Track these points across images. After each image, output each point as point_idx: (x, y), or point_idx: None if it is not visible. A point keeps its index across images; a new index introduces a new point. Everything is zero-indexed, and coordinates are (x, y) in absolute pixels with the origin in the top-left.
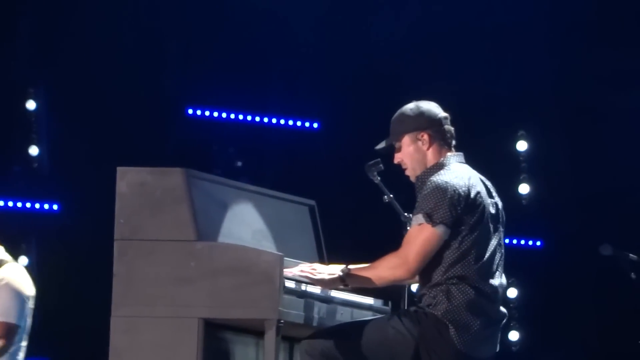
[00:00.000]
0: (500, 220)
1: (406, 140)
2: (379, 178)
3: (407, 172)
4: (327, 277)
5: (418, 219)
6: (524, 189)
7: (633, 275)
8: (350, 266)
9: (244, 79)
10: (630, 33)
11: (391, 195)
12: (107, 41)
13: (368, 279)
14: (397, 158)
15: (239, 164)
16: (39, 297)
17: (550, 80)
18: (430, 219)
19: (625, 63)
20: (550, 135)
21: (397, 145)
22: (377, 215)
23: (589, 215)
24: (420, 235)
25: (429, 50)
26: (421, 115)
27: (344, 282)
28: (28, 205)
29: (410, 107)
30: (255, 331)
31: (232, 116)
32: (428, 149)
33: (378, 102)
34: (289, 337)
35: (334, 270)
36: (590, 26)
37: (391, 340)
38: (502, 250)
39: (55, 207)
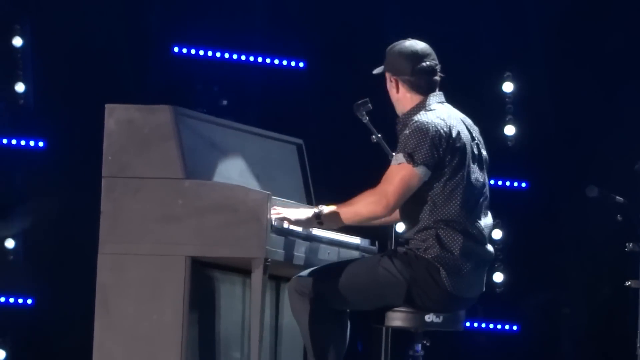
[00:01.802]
0: (483, 159)
1: (388, 77)
2: (367, 118)
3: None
4: (302, 216)
5: (398, 158)
6: (509, 130)
7: (619, 217)
8: (326, 207)
9: (230, 17)
10: None
11: (379, 135)
12: None
13: (345, 216)
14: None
15: (224, 102)
16: (24, 235)
17: (537, 21)
18: (411, 159)
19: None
20: (536, 77)
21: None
22: (365, 155)
23: (575, 157)
24: (400, 173)
25: None
26: (396, 58)
27: (319, 219)
28: (14, 142)
29: (397, 48)
30: (242, 270)
31: (218, 55)
32: (406, 92)
33: (364, 40)
34: (276, 276)
35: (309, 211)
36: None
37: (382, 280)
38: (487, 190)
39: (41, 143)
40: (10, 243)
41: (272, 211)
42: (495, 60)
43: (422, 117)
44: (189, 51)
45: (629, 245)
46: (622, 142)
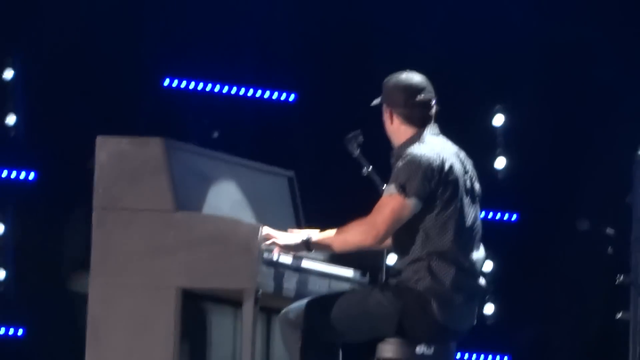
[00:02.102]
0: (476, 193)
1: (385, 109)
2: (358, 151)
3: None
4: (291, 242)
5: (390, 189)
6: (500, 163)
7: (610, 250)
8: (315, 233)
9: (221, 49)
10: (611, 8)
11: (370, 167)
12: (84, 11)
13: (334, 244)
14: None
15: (215, 135)
16: (15, 267)
17: (527, 54)
18: (403, 190)
19: (605, 38)
20: (527, 110)
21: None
22: (357, 187)
23: (566, 190)
24: (390, 204)
25: (405, 21)
26: (391, 89)
27: (308, 246)
28: (4, 174)
29: (393, 79)
30: (233, 301)
31: (209, 87)
32: (401, 124)
33: (355, 73)
34: (267, 308)
35: (299, 236)
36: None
37: (373, 312)
38: (479, 224)
39: (31, 176)
40: (1, 274)
41: (263, 232)
42: (486, 93)
43: (416, 149)
44: (179, 84)
45: (619, 277)
46: (612, 174)
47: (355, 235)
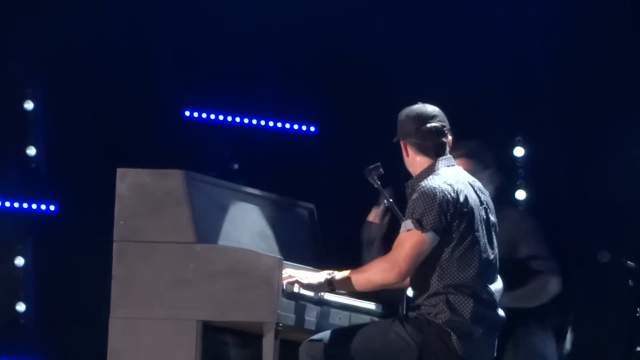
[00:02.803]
0: (491, 224)
1: (401, 143)
2: (378, 182)
3: None
4: (314, 281)
5: (407, 224)
6: (520, 195)
7: (631, 282)
8: (338, 272)
9: (241, 81)
10: (629, 36)
11: (391, 200)
12: (103, 42)
13: (357, 283)
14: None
15: (236, 166)
16: (35, 299)
17: (548, 85)
18: (419, 225)
19: (624, 68)
20: (548, 141)
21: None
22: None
23: (587, 221)
24: (410, 240)
25: (425, 53)
26: (404, 121)
27: (331, 285)
28: (25, 205)
29: (405, 111)
30: (253, 334)
31: (229, 118)
32: (416, 155)
33: (375, 105)
34: (287, 340)
35: (321, 275)
36: (589, 29)
37: (393, 346)
38: (496, 254)
39: (52, 207)
40: (21, 306)
41: (284, 274)
42: (506, 124)
43: (430, 182)
44: (200, 115)
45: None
46: (634, 206)
47: (377, 273)
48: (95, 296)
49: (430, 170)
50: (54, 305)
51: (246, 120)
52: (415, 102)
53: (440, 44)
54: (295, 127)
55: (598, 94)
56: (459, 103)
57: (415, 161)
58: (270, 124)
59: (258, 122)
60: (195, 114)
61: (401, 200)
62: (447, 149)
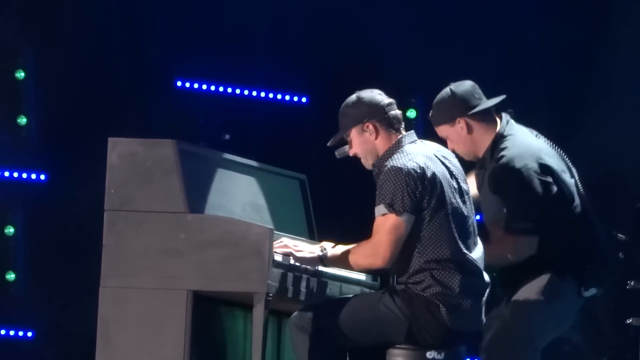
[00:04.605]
0: (464, 191)
1: (354, 133)
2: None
3: (363, 162)
4: (307, 255)
5: (380, 209)
6: None
7: (621, 255)
8: (330, 249)
9: (233, 51)
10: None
11: None
12: (95, 12)
13: (346, 264)
14: (351, 151)
15: (227, 137)
16: (25, 268)
17: (539, 64)
18: (392, 208)
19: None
20: (539, 124)
21: (347, 139)
22: (368, 189)
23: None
24: (386, 224)
25: (417, 24)
26: (362, 105)
27: (322, 262)
28: (15, 174)
29: (351, 99)
30: (244, 304)
31: (221, 89)
32: (376, 137)
33: (367, 76)
34: (277, 311)
35: (314, 249)
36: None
37: (383, 318)
38: (473, 220)
39: (42, 177)
40: (11, 276)
41: (279, 243)
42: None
43: (394, 162)
44: (191, 85)
45: (630, 283)
46: (624, 180)
47: (364, 258)
48: (85, 265)
49: (394, 149)
50: (43, 275)
51: (238, 91)
52: (407, 74)
53: (433, 14)
54: (287, 97)
55: (584, 79)
56: (451, 80)
57: (374, 143)
58: (262, 94)
59: (250, 92)
60: (187, 84)
61: None
62: (401, 125)
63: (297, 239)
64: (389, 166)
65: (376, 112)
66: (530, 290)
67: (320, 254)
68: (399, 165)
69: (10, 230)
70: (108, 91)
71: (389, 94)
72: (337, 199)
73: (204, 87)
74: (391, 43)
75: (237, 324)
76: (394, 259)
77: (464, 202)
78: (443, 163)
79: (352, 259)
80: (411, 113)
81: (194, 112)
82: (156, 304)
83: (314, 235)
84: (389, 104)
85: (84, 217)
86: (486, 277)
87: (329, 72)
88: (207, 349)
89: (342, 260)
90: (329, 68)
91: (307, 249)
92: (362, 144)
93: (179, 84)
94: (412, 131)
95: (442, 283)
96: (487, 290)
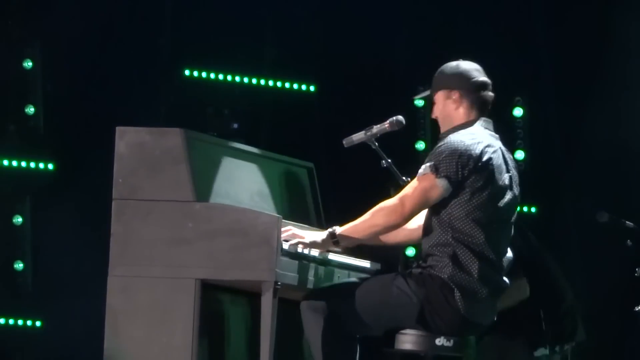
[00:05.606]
0: (514, 194)
1: (439, 96)
2: (376, 144)
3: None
4: (318, 238)
5: (424, 168)
6: (519, 155)
7: (629, 242)
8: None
9: (241, 40)
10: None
11: (389, 160)
12: (103, 1)
13: (361, 231)
14: (433, 113)
15: (235, 126)
16: (33, 258)
17: (546, 46)
18: (435, 169)
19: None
20: (546, 102)
21: (433, 99)
22: (376, 178)
23: (586, 182)
24: (421, 183)
25: (425, 14)
26: (457, 74)
27: (334, 238)
28: (23, 164)
29: (452, 63)
30: (252, 293)
31: (229, 78)
32: (457, 108)
33: (375, 65)
34: (286, 299)
35: (324, 232)
36: None
37: (395, 300)
38: (512, 225)
39: (50, 166)
40: (19, 265)
41: (287, 233)
42: (506, 85)
43: (458, 136)
44: (200, 74)
45: (638, 270)
46: (633, 167)
47: (381, 217)
48: (93, 255)
49: (466, 125)
50: (51, 264)
51: (246, 80)
52: (413, 64)
53: (442, 3)
54: (295, 86)
55: (593, 53)
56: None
57: (453, 113)
58: (270, 83)
59: (258, 81)
60: (195, 73)
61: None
62: (487, 110)
63: (305, 228)
64: (451, 137)
65: (465, 85)
66: None
67: (331, 230)
68: (461, 139)
69: (18, 219)
70: (116, 80)
71: (396, 82)
72: (345, 187)
73: (212, 76)
74: (399, 32)
75: (246, 313)
76: (410, 218)
77: (509, 204)
78: (505, 159)
79: (368, 223)
80: (419, 102)
81: (202, 101)
82: (164, 293)
83: (322, 223)
84: (482, 84)
85: (92, 206)
86: (505, 279)
87: (336, 61)
88: (216, 338)
89: (354, 231)
90: (337, 57)
91: (315, 233)
92: (443, 108)
93: (187, 73)
94: (491, 120)
95: (461, 265)
96: (504, 290)
